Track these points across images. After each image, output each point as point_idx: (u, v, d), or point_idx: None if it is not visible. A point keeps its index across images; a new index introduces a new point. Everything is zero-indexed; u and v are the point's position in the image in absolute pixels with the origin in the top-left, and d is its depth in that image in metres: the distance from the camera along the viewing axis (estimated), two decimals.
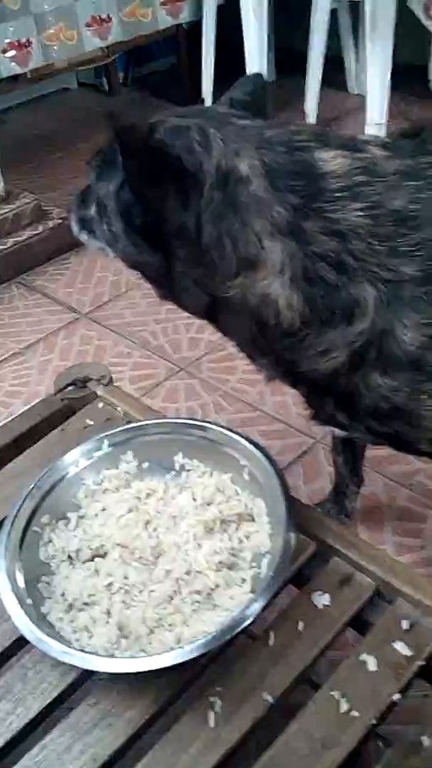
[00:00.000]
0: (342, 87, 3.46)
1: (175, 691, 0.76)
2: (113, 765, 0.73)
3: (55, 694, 0.77)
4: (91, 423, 1.09)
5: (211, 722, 0.72)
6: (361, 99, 3.25)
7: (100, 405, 1.12)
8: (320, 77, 2.99)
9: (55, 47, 2.93)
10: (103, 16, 3.02)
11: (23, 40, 2.80)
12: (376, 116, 2.90)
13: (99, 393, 1.14)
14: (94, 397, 1.14)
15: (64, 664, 0.78)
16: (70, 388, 1.16)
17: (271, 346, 0.80)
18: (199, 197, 0.74)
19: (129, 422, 1.03)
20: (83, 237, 0.95)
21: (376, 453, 1.48)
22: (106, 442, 0.97)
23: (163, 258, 0.80)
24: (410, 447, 0.88)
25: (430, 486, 1.47)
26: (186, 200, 0.75)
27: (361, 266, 0.71)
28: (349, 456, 1.28)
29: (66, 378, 1.17)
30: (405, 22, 2.75)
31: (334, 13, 2.99)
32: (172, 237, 0.77)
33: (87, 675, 0.79)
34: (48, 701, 0.77)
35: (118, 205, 0.82)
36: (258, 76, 0.97)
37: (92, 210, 0.89)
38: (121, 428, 0.98)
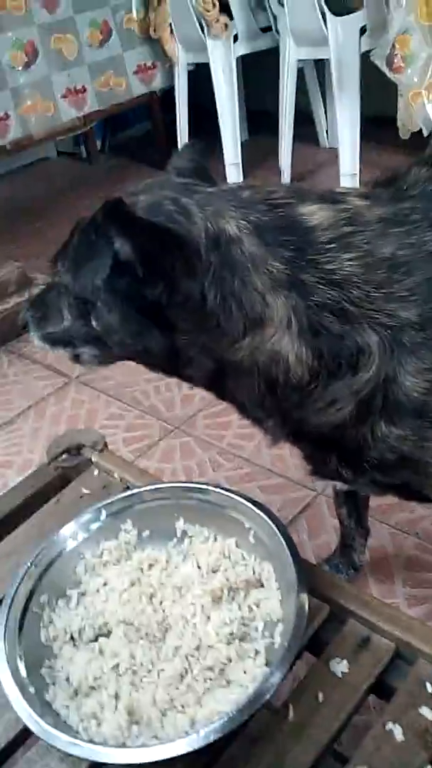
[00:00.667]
0: (313, 141, 3.55)
1: None
2: None
3: None
4: (87, 492, 1.06)
5: None
6: (333, 152, 3.34)
7: (95, 472, 1.09)
8: (292, 134, 3.06)
9: (32, 119, 2.99)
10: (78, 87, 3.10)
11: (1, 113, 2.86)
12: (348, 167, 2.97)
13: (93, 459, 1.11)
14: (88, 465, 1.11)
15: (72, 756, 0.73)
16: (63, 456, 1.13)
17: (279, 405, 0.78)
18: (199, 263, 0.73)
19: (127, 488, 1.00)
20: (58, 352, 0.91)
21: (379, 503, 1.45)
22: (103, 512, 0.93)
23: (166, 335, 0.77)
24: (416, 495, 0.85)
25: None
26: (191, 268, 0.73)
27: (362, 313, 0.71)
28: (352, 507, 1.25)
29: (58, 446, 1.15)
30: (370, 76, 2.84)
31: (301, 72, 3.08)
32: (177, 309, 0.74)
33: (99, 765, 0.74)
34: None
35: (113, 295, 0.77)
36: (197, 142, 0.98)
37: (64, 319, 0.85)
38: (118, 497, 0.95)
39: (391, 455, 0.76)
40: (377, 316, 0.71)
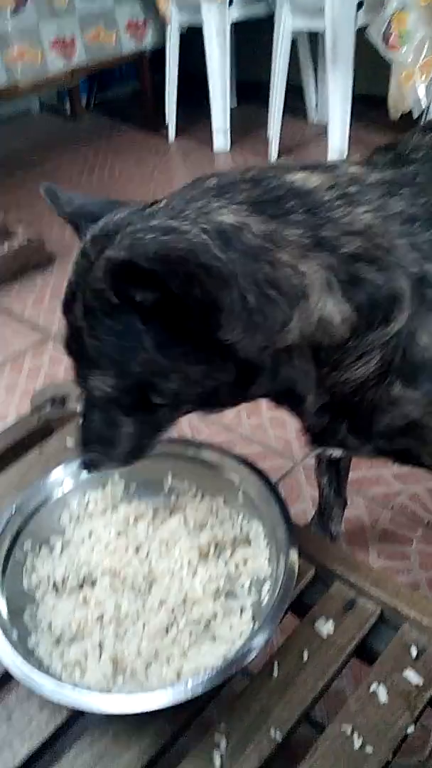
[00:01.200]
0: (302, 115, 3.51)
1: (176, 729, 0.70)
2: None
3: (44, 736, 0.71)
4: (72, 444, 1.03)
5: (217, 763, 0.67)
6: (321, 127, 3.32)
7: None
8: (282, 105, 3.03)
9: (18, 67, 2.90)
10: (67, 38, 3.01)
11: None
12: (337, 143, 2.95)
13: (79, 411, 1.08)
14: (73, 417, 1.09)
15: (52, 703, 0.72)
16: (47, 407, 1.10)
17: (319, 373, 0.73)
18: (219, 266, 0.65)
19: None
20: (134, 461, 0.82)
21: (357, 475, 1.46)
22: None
23: (227, 359, 0.69)
24: (413, 461, 0.85)
25: (412, 507, 1.46)
26: (215, 278, 0.64)
27: (391, 261, 0.69)
28: (333, 476, 1.24)
29: (42, 397, 1.12)
30: (361, 54, 2.82)
31: (293, 45, 3.03)
32: (226, 325, 0.66)
33: (79, 714, 0.73)
34: (37, 744, 0.71)
35: (162, 356, 0.69)
36: (52, 189, 0.84)
37: (124, 425, 0.76)
38: None
39: (401, 421, 0.75)
40: (404, 264, 0.69)
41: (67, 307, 0.73)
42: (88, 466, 0.82)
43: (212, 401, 0.76)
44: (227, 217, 0.67)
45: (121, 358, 0.70)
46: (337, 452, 0.90)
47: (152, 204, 0.72)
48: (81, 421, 0.81)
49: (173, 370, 0.70)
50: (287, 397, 0.78)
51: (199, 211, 0.68)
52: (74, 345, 0.73)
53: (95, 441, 0.79)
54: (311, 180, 0.71)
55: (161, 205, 0.71)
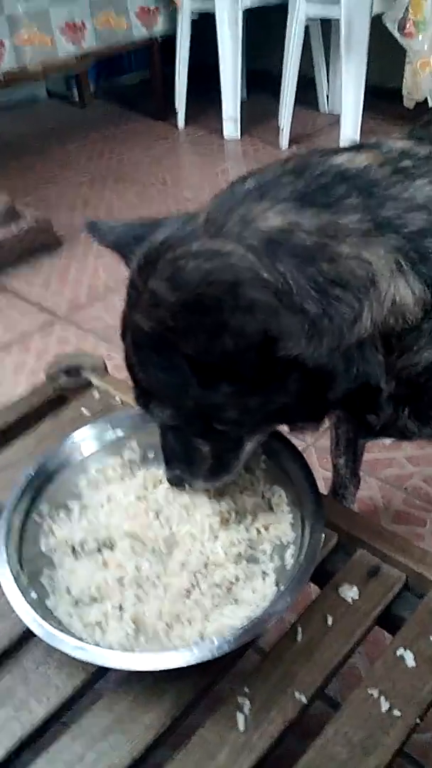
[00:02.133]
0: (313, 105, 3.49)
1: (198, 692, 0.69)
2: None
3: (63, 698, 0.69)
4: (87, 413, 1.02)
5: (241, 726, 0.66)
6: (332, 117, 3.30)
7: (96, 395, 1.05)
8: (294, 94, 3.01)
9: (28, 51, 2.88)
10: (78, 22, 2.99)
11: None
12: (350, 131, 2.93)
13: (94, 382, 1.07)
14: (88, 387, 1.07)
15: (70, 665, 0.71)
16: (62, 377, 1.09)
17: (391, 360, 0.69)
18: (273, 283, 0.62)
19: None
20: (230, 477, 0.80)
21: (370, 457, 1.45)
22: (109, 426, 0.90)
23: (291, 379, 0.67)
24: None
25: (426, 489, 1.44)
26: (270, 310, 0.61)
27: None
28: (350, 456, 1.23)
29: (57, 366, 1.10)
30: (374, 47, 2.80)
31: (306, 34, 3.01)
32: (282, 346, 0.63)
33: (98, 676, 0.71)
34: (55, 705, 0.69)
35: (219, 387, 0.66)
36: (93, 223, 0.83)
37: (201, 446, 0.74)
38: (124, 414, 0.91)
39: None
40: None
41: (123, 336, 0.72)
42: (174, 483, 0.81)
43: (288, 418, 0.74)
44: (273, 220, 0.64)
45: (172, 393, 0.69)
46: (388, 440, 0.87)
47: (192, 218, 0.69)
48: (161, 438, 0.79)
49: (227, 404, 0.67)
50: (363, 396, 0.72)
51: (242, 221, 0.64)
52: (131, 372, 0.73)
53: (176, 459, 0.78)
54: (359, 159, 0.68)
55: (200, 220, 0.67)
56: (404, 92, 2.76)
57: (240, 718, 0.66)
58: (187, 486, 0.79)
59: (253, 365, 0.63)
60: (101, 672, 0.71)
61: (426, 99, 2.69)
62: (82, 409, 1.03)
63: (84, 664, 0.70)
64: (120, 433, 0.90)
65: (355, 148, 0.70)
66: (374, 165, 0.67)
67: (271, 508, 0.83)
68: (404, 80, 2.76)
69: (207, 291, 0.61)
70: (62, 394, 1.08)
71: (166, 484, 0.86)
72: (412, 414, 0.75)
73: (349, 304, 0.63)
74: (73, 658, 0.67)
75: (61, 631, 0.69)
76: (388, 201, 0.65)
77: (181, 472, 0.79)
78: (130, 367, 0.73)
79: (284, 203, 0.64)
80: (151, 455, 0.90)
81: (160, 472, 0.88)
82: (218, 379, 0.65)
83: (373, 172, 0.67)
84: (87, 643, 0.67)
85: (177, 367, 0.65)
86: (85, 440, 0.89)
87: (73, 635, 0.69)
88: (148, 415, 0.75)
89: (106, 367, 1.11)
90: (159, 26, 3.32)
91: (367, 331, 0.65)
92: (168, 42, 3.36)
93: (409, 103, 2.78)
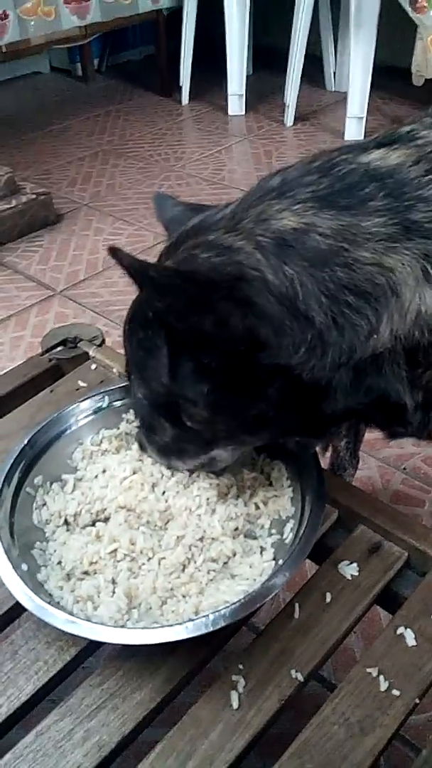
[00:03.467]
0: (319, 83, 3.44)
1: (191, 668, 0.67)
2: (120, 753, 0.63)
3: (51, 674, 0.67)
4: (84, 385, 1.00)
5: (235, 703, 0.64)
6: (339, 95, 3.25)
7: (93, 366, 1.03)
8: (300, 70, 2.95)
9: (31, 22, 2.82)
10: None
11: (0, 11, 2.69)
12: (357, 110, 2.88)
13: (91, 353, 1.04)
14: (85, 358, 1.05)
15: (59, 640, 0.69)
16: (58, 348, 1.06)
17: (416, 373, 0.64)
18: (277, 286, 0.59)
19: None
20: (184, 467, 0.78)
21: (369, 437, 1.42)
22: (106, 399, 0.87)
23: (278, 387, 0.63)
24: None
25: (425, 470, 1.42)
26: (265, 316, 0.58)
27: None
28: (352, 438, 1.21)
29: (54, 338, 1.08)
30: (382, 26, 2.74)
31: (314, 11, 2.95)
32: (273, 354, 0.60)
33: (88, 653, 0.69)
34: (43, 682, 0.67)
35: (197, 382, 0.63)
36: (162, 196, 0.83)
37: (165, 428, 0.71)
38: (121, 384, 0.89)
39: None
40: None
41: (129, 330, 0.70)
42: (140, 445, 0.80)
43: (274, 430, 0.69)
44: (288, 220, 0.60)
45: (147, 373, 0.67)
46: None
47: (226, 206, 0.67)
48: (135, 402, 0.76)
49: (199, 400, 0.64)
50: (384, 408, 0.67)
51: (258, 218, 0.61)
52: (123, 340, 0.71)
53: (144, 426, 0.75)
54: (392, 157, 0.63)
55: (228, 210, 0.65)
56: (414, 69, 2.71)
57: (234, 696, 0.64)
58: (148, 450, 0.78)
59: (232, 363, 0.60)
60: (92, 648, 0.69)
61: None
62: (79, 381, 1.00)
63: (74, 639, 0.68)
64: (116, 404, 0.88)
65: (391, 143, 0.65)
66: (408, 163, 0.63)
67: (270, 483, 0.81)
68: (414, 57, 2.70)
69: (208, 273, 0.59)
70: (58, 365, 1.05)
71: None
72: None
73: (364, 314, 0.59)
74: (64, 633, 0.65)
75: (52, 604, 0.67)
76: (419, 203, 0.60)
77: (145, 440, 0.77)
78: (123, 333, 0.71)
79: (302, 204, 0.61)
80: None
81: None
82: (192, 370, 0.62)
83: (404, 172, 0.62)
84: (78, 617, 0.65)
85: (156, 349, 0.64)
86: (80, 412, 0.87)
87: (63, 609, 0.67)
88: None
89: (103, 339, 1.08)
90: None
91: (385, 345, 0.61)
92: (173, 17, 3.29)
93: (418, 80, 2.73)
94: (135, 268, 0.56)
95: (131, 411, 0.87)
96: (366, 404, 0.66)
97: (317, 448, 0.82)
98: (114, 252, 0.55)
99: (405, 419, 0.68)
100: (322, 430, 0.73)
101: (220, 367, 0.61)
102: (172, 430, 0.70)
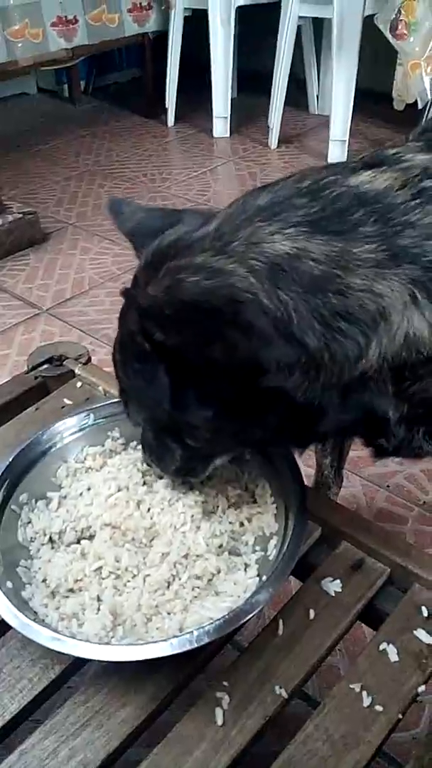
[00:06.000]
0: (303, 106, 3.49)
1: (175, 686, 0.67)
2: None
3: (35, 692, 0.67)
4: (69, 403, 1.00)
5: (219, 720, 0.64)
6: (322, 118, 3.30)
7: (78, 384, 1.03)
8: (285, 93, 3.00)
9: (19, 44, 2.85)
10: (69, 17, 2.97)
11: None
12: (339, 132, 2.92)
13: (77, 371, 1.05)
14: (71, 376, 1.05)
15: (44, 658, 0.69)
16: (44, 366, 1.07)
17: (403, 391, 0.65)
18: (272, 311, 0.59)
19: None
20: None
21: (353, 455, 1.43)
22: (91, 416, 0.88)
23: (277, 406, 0.64)
24: None
25: (408, 487, 1.43)
26: (264, 338, 0.58)
27: None
28: (336, 457, 1.22)
29: (40, 355, 1.08)
30: (364, 50, 2.80)
31: (297, 35, 3.00)
32: (270, 378, 0.61)
33: (73, 670, 0.69)
34: (28, 700, 0.67)
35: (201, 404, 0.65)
36: (117, 201, 0.82)
37: (174, 449, 0.73)
38: (107, 402, 0.89)
39: None
40: None
41: (119, 323, 0.70)
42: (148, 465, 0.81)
43: (266, 443, 0.73)
44: (281, 245, 0.60)
45: (147, 402, 0.67)
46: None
47: (205, 222, 0.66)
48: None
49: (201, 426, 0.66)
50: (369, 422, 0.69)
51: (248, 241, 0.61)
52: (114, 367, 0.71)
53: (148, 451, 0.77)
54: (378, 181, 0.64)
55: (211, 228, 0.64)
56: (394, 94, 2.77)
57: (218, 713, 0.64)
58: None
59: (236, 389, 0.61)
60: (76, 666, 0.69)
61: (416, 101, 2.68)
62: (64, 399, 1.01)
63: (59, 657, 0.68)
64: (101, 422, 0.88)
65: (378, 165, 0.66)
66: (393, 188, 0.64)
67: (254, 500, 0.82)
68: (395, 82, 2.76)
69: (206, 300, 0.59)
70: (44, 383, 1.06)
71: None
72: (427, 434, 0.71)
73: (355, 340, 0.60)
74: (48, 651, 0.65)
75: (37, 622, 0.67)
76: (406, 228, 0.61)
77: (152, 463, 0.79)
78: (114, 362, 0.71)
79: (294, 228, 0.61)
80: (133, 445, 0.89)
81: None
82: (196, 398, 0.63)
83: (391, 197, 0.63)
84: (63, 635, 0.65)
85: (156, 379, 0.63)
86: (65, 429, 0.87)
87: (48, 627, 0.67)
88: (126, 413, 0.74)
89: (89, 357, 1.09)
90: (151, 23, 3.30)
91: (374, 367, 0.62)
92: (160, 40, 3.34)
93: (399, 105, 2.79)
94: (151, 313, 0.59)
95: (116, 428, 0.88)
96: (353, 419, 0.67)
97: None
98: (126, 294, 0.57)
99: (388, 431, 0.69)
100: (308, 443, 0.76)
101: (224, 394, 0.62)
102: (179, 449, 0.72)
